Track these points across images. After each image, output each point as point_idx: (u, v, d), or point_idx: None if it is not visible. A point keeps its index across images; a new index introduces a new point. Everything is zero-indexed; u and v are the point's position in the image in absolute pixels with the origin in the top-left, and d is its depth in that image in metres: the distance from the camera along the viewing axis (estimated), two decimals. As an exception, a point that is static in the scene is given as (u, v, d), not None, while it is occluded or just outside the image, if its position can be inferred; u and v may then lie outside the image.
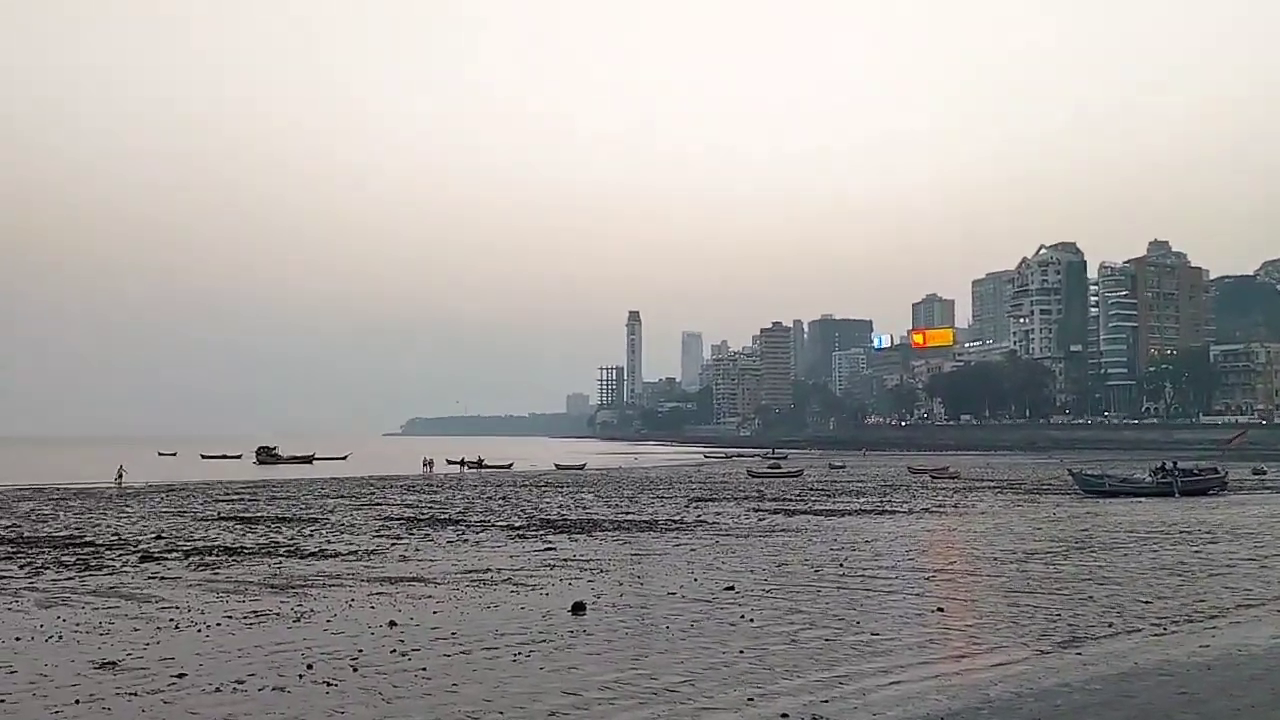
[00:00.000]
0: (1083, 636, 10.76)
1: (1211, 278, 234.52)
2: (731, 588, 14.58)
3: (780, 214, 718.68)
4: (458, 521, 27.55)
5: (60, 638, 11.15)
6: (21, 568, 17.49)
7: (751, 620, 11.93)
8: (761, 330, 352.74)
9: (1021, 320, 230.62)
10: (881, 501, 36.13)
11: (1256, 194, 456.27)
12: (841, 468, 72.03)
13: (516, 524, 26.79)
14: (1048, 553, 19.25)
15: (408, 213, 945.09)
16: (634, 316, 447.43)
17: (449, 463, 78.55)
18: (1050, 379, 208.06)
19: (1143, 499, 36.16)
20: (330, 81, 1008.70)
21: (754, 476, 58.49)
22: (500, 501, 36.41)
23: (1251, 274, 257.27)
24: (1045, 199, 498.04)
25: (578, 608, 12.78)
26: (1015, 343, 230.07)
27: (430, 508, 33.06)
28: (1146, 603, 13.02)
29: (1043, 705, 7.70)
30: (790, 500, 36.85)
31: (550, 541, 22.02)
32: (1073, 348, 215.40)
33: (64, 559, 18.70)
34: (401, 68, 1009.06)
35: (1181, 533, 22.91)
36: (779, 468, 68.87)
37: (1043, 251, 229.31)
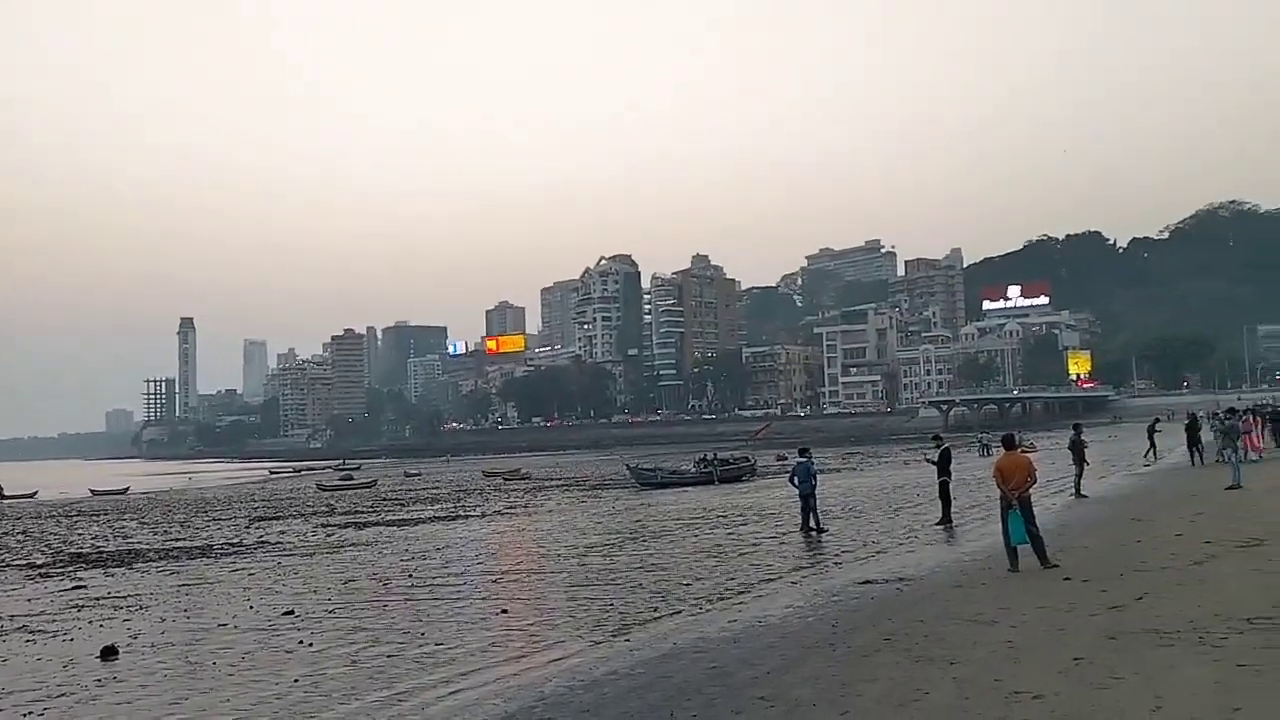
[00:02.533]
0: (631, 623, 11.52)
1: (743, 288, 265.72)
2: (291, 612, 13.79)
3: (350, 220, 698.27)
4: (-41, 565, 23.42)
5: None
6: None
7: (310, 645, 11.34)
8: (332, 338, 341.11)
9: (585, 326, 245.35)
10: (456, 507, 36.37)
11: (784, 211, 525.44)
12: (417, 475, 71.60)
13: (39, 561, 23.37)
14: (606, 545, 20.47)
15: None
16: (186, 323, 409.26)
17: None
18: (612, 381, 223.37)
19: (688, 488, 39.86)
20: None
21: (324, 490, 56.36)
22: (19, 537, 31.58)
23: (774, 285, 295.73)
24: (606, 214, 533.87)
25: (108, 652, 11.35)
26: (581, 348, 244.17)
27: (-78, 551, 27.79)
28: (688, 585, 14.27)
29: (592, 695, 8.09)
30: (362, 512, 35.91)
31: (80, 579, 19.43)
32: (630, 352, 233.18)
33: None
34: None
35: (719, 517, 25.52)
36: (352, 479, 66.90)
37: (603, 263, 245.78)
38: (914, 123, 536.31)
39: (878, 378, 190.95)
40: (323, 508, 39.97)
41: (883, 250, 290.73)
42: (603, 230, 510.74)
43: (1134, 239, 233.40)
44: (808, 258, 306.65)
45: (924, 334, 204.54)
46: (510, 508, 34.63)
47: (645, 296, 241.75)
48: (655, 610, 12.31)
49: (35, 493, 68.77)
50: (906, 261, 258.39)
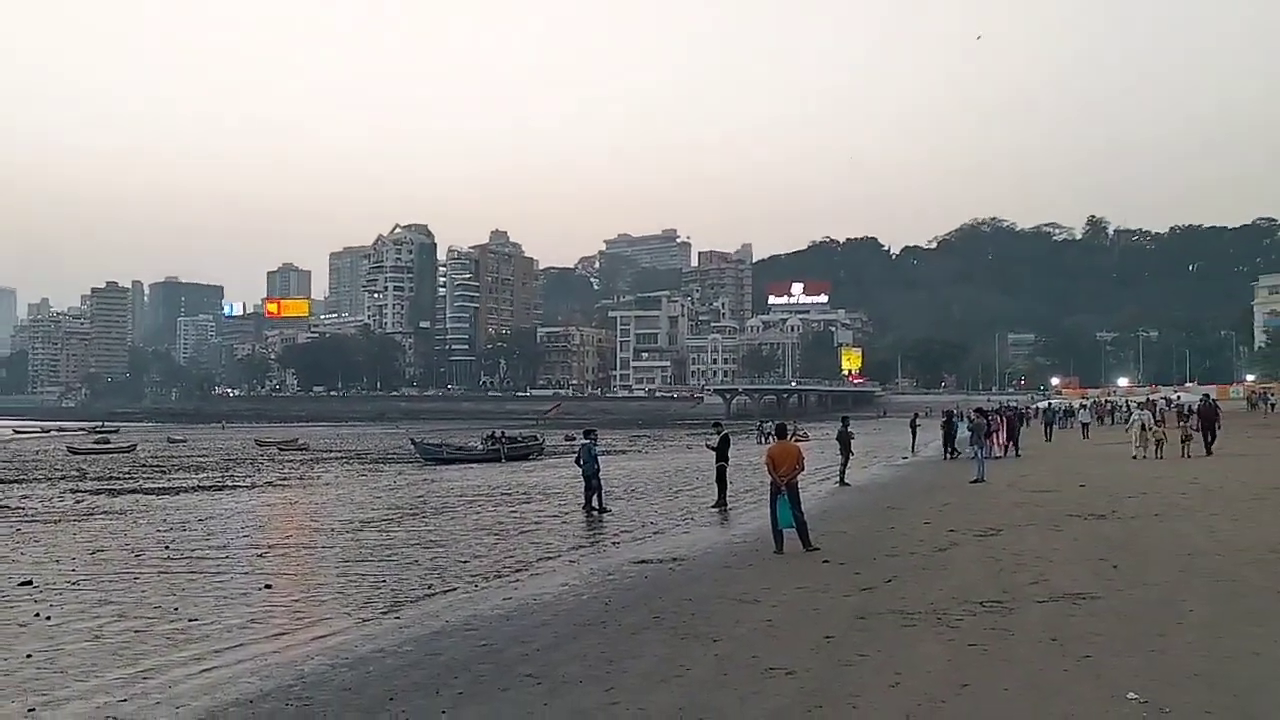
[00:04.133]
0: (403, 600, 11.29)
1: (541, 268, 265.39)
2: (29, 582, 12.67)
3: (120, 164, 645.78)
4: None
5: None
6: None
7: (48, 619, 10.45)
8: (93, 290, 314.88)
9: (376, 295, 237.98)
10: (223, 476, 34.55)
11: (585, 195, 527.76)
12: (182, 441, 67.59)
13: None
14: (384, 520, 19.99)
15: None
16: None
17: None
18: (401, 353, 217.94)
19: (475, 465, 39.52)
20: None
21: (76, 453, 52.25)
22: None
23: (572, 266, 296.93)
24: (403, 182, 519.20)
25: None
26: (370, 317, 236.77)
27: None
28: (465, 562, 14.14)
29: (356, 674, 7.88)
30: (118, 479, 33.52)
31: None
32: (422, 324, 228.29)
33: None
34: None
35: (503, 495, 25.43)
36: (108, 442, 62.30)
37: (398, 231, 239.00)
38: (714, 119, 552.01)
39: (667, 363, 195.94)
40: (73, 472, 37.05)
41: (678, 240, 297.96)
42: (398, 198, 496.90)
43: (906, 247, 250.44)
44: (606, 242, 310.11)
45: (713, 324, 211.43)
46: (284, 479, 33.22)
47: (440, 269, 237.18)
48: (429, 588, 12.13)
49: None
50: (700, 253, 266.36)
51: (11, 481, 32.25)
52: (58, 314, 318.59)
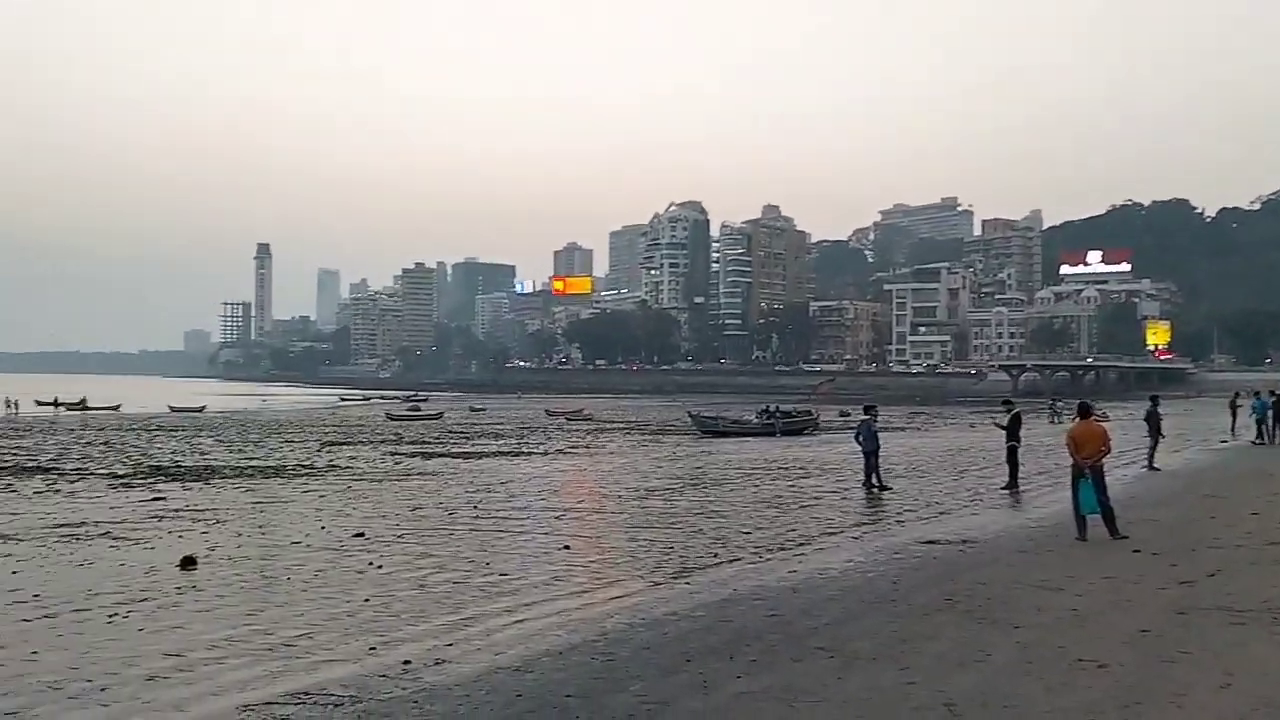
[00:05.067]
0: (692, 567, 11.64)
1: (814, 241, 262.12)
2: (361, 534, 14.20)
3: (425, 154, 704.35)
4: (48, 470, 24.56)
5: None
6: None
7: (380, 567, 11.68)
8: (404, 270, 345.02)
9: (652, 272, 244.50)
10: (519, 443, 36.93)
11: (858, 165, 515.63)
12: (482, 410, 72.75)
13: (120, 472, 24.33)
14: (666, 489, 20.65)
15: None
16: (263, 249, 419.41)
17: (39, 404, 69.74)
18: (676, 328, 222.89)
19: (750, 438, 39.89)
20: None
21: (393, 419, 57.54)
22: (102, 447, 32.91)
23: (845, 239, 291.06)
24: (677, 160, 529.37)
25: (187, 562, 11.82)
26: (647, 293, 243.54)
27: (13, 454, 29.14)
28: (747, 533, 14.35)
29: (653, 634, 8.23)
30: (429, 443, 36.63)
31: (160, 491, 20.21)
32: (696, 299, 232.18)
33: None
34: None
35: (780, 469, 25.52)
36: (419, 410, 68.23)
37: (672, 209, 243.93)
38: (996, 78, 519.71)
39: (947, 338, 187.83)
40: (391, 436, 40.86)
41: (959, 208, 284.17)
42: (674, 178, 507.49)
43: (1223, 209, 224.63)
44: (881, 213, 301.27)
45: (997, 296, 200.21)
46: (573, 447, 35.04)
47: (713, 245, 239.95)
48: (715, 556, 12.42)
49: (119, 406, 71.43)
50: (984, 221, 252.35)
51: (341, 443, 36.10)
52: (375, 293, 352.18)
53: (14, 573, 11.32)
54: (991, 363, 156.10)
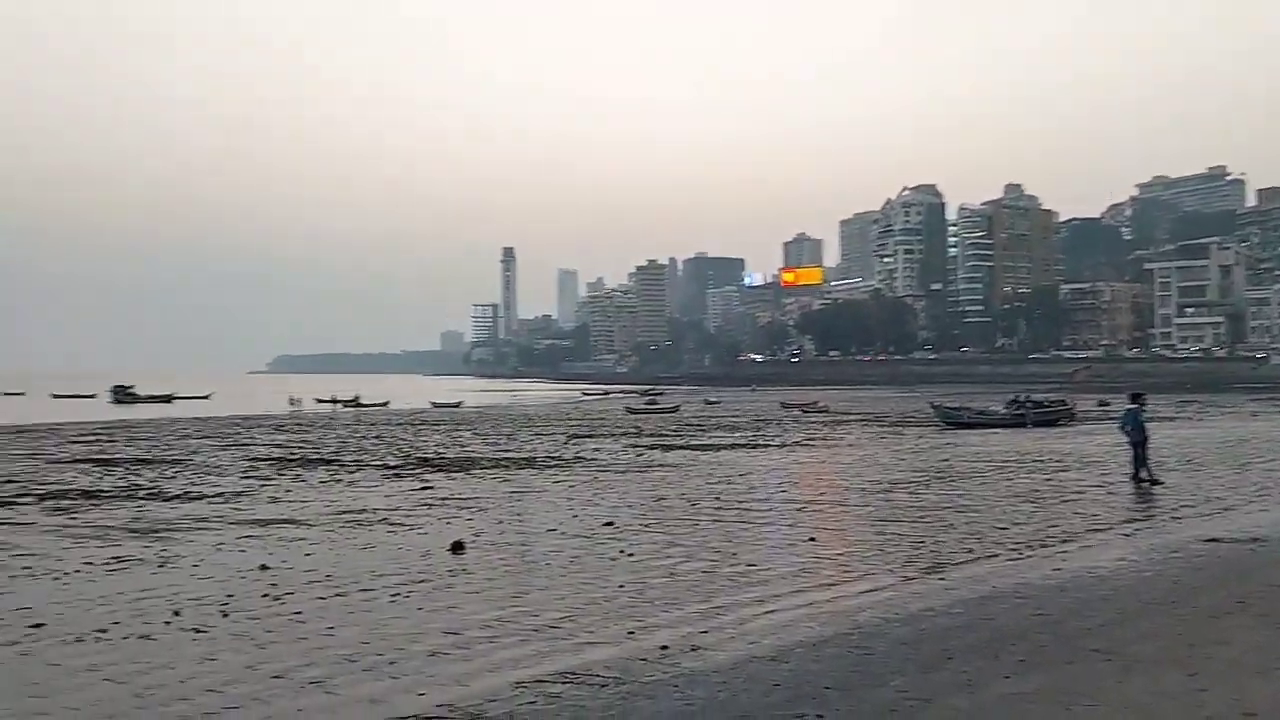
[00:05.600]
0: (945, 562, 11.26)
1: (1061, 220, 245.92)
2: (611, 523, 14.69)
3: (651, 153, 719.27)
4: (330, 461, 26.92)
5: (-103, 592, 10.41)
6: None
7: (631, 555, 12.05)
8: (637, 268, 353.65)
9: (886, 259, 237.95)
10: (755, 436, 36.97)
11: (1110, 136, 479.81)
12: (717, 403, 73.39)
13: (392, 463, 26.34)
14: (911, 482, 20.06)
15: (266, 144, 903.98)
16: (508, 253, 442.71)
17: (319, 401, 76.63)
18: (912, 316, 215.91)
19: (998, 430, 38.05)
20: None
21: (632, 413, 58.99)
22: (374, 440, 35.73)
23: (1097, 216, 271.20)
24: (906, 143, 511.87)
25: (457, 546, 12.67)
26: (880, 281, 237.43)
27: (300, 447, 32.20)
28: (1003, 529, 13.70)
29: (909, 629, 8.03)
30: (667, 436, 37.34)
31: (427, 480, 21.73)
32: (933, 286, 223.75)
33: (-102, 508, 17.45)
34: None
35: (1034, 461, 24.19)
36: (656, 404, 69.64)
37: (905, 193, 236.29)
38: (1270, 36, 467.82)
39: (1219, 319, 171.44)
40: (631, 429, 41.98)
41: (1229, 177, 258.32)
42: (905, 161, 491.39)
43: None
44: (1138, 186, 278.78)
45: (1277, 272, 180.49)
46: (809, 439, 34.70)
47: (950, 228, 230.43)
48: (970, 551, 11.95)
49: (388, 402, 77.48)
50: (1259, 190, 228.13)
51: (585, 436, 37.45)
52: (610, 290, 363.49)
53: (307, 555, 12.51)
54: (1273, 345, 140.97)
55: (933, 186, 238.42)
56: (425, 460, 27.08)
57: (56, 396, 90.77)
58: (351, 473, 23.76)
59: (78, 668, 7.49)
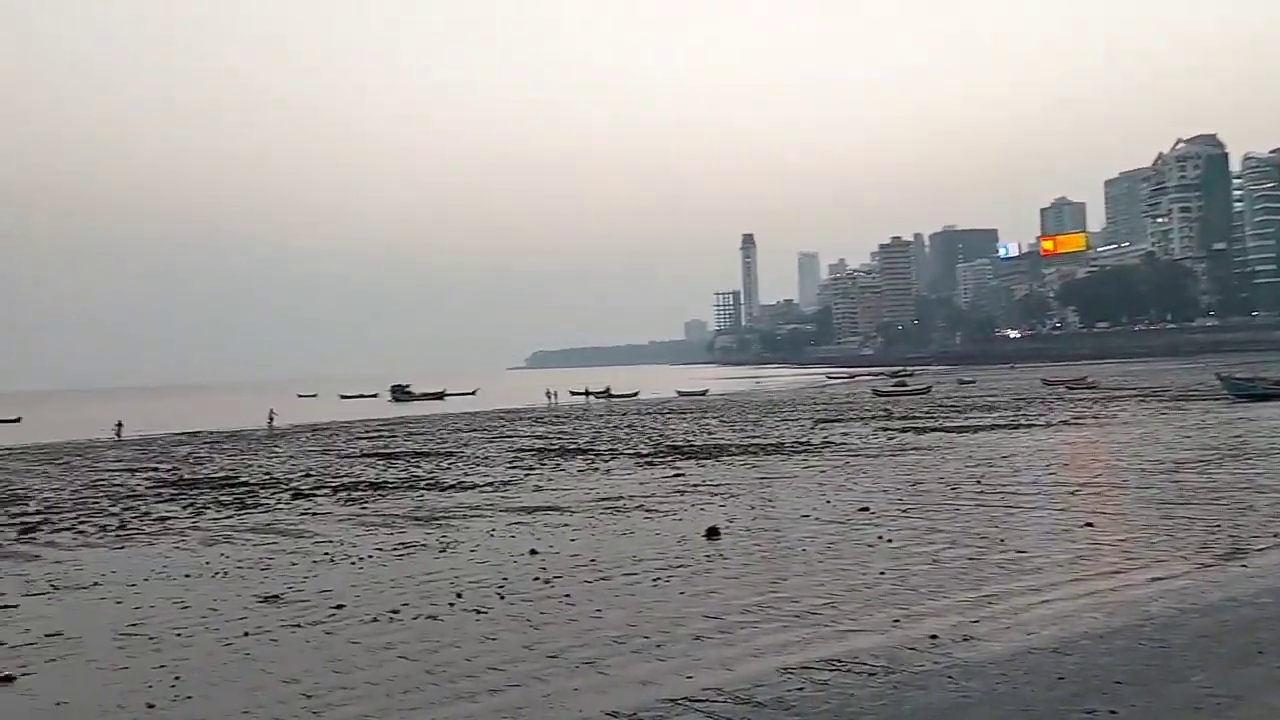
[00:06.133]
0: (1246, 548, 10.22)
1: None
2: (866, 509, 14.39)
3: (890, 128, 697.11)
4: (586, 450, 28.00)
5: (225, 574, 11.80)
6: (185, 508, 18.59)
7: (890, 541, 11.75)
8: (880, 246, 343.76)
9: (1159, 220, 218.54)
10: (1016, 415, 35.08)
11: None
12: (971, 383, 70.31)
13: (644, 451, 27.05)
14: (1200, 461, 18.35)
15: (519, 145, 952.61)
16: (748, 239, 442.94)
17: (572, 394, 79.85)
18: (1192, 280, 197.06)
19: (1301, 402, 34.10)
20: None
21: (880, 395, 57.58)
22: (626, 430, 36.84)
23: None
24: (1177, 85, 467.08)
25: (712, 532, 12.82)
26: (1153, 244, 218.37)
27: (559, 438, 33.71)
28: (1315, 511, 12.27)
29: (1209, 621, 7.35)
30: (919, 418, 36.14)
31: (679, 467, 22.15)
32: (1216, 246, 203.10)
33: (222, 499, 19.80)
34: None
35: (1349, 436, 21.50)
36: (905, 385, 67.62)
37: (1180, 146, 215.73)
38: None
39: None
40: (880, 412, 40.95)
41: None
42: (1177, 108, 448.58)
43: None
44: None
45: None
46: (1078, 418, 32.48)
47: (1235, 181, 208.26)
48: (1277, 536, 10.77)
49: (637, 392, 79.75)
50: None
51: (832, 421, 36.90)
52: (853, 271, 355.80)
53: (571, 540, 13.07)
54: None
55: (1212, 136, 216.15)
56: (675, 448, 27.60)
57: (344, 397, 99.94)
58: (607, 461, 24.60)
59: (375, 645, 8.18)
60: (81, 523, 17.13)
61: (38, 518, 17.99)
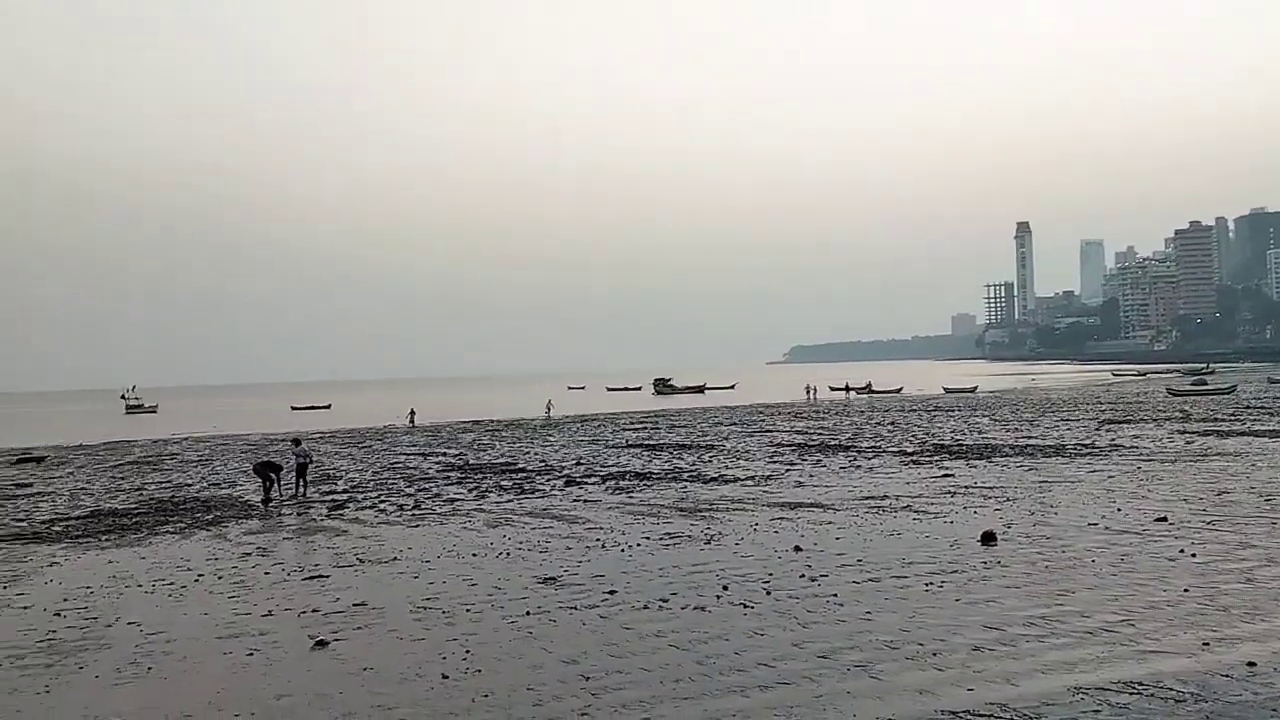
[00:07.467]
0: None
1: None
2: (1164, 519, 13.19)
3: (1182, 101, 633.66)
4: (848, 447, 27.48)
5: (508, 554, 12.56)
6: (470, 491, 19.99)
7: (1193, 555, 10.69)
8: (1176, 232, 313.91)
9: None
10: (1345, 420, 30.97)
11: None
12: (1287, 382, 62.85)
13: (909, 449, 26.20)
14: None
15: (773, 136, 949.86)
16: (1023, 227, 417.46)
17: (832, 389, 78.71)
18: None
19: None
20: None
21: (1175, 395, 52.74)
22: (889, 427, 35.82)
23: None
24: None
25: (988, 537, 12.19)
26: None
27: (819, 434, 33.30)
28: None
29: None
30: (1222, 420, 32.74)
31: (947, 467, 21.27)
32: None
33: (503, 483, 21.13)
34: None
35: None
36: (1205, 384, 61.48)
37: None
38: None
39: None
40: (1176, 413, 37.46)
41: None
42: None
43: None
44: None
45: None
46: None
47: None
48: None
49: (900, 388, 77.50)
50: None
51: (1120, 422, 34.08)
52: (1144, 259, 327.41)
53: (836, 538, 12.85)
54: None
55: None
56: (942, 447, 26.53)
57: (611, 390, 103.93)
58: (869, 459, 24.02)
59: (646, 633, 8.40)
60: (381, 501, 18.85)
61: (344, 496, 19.97)
